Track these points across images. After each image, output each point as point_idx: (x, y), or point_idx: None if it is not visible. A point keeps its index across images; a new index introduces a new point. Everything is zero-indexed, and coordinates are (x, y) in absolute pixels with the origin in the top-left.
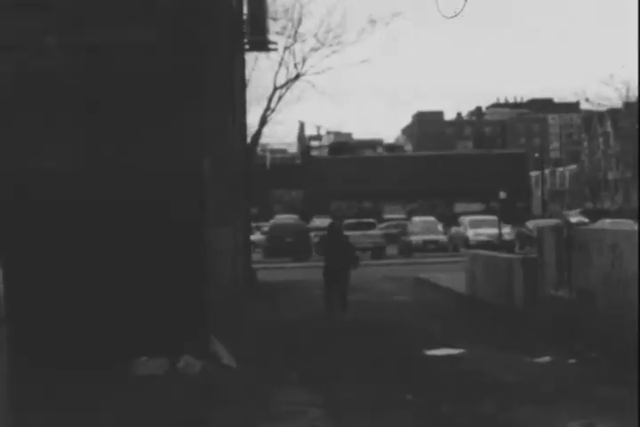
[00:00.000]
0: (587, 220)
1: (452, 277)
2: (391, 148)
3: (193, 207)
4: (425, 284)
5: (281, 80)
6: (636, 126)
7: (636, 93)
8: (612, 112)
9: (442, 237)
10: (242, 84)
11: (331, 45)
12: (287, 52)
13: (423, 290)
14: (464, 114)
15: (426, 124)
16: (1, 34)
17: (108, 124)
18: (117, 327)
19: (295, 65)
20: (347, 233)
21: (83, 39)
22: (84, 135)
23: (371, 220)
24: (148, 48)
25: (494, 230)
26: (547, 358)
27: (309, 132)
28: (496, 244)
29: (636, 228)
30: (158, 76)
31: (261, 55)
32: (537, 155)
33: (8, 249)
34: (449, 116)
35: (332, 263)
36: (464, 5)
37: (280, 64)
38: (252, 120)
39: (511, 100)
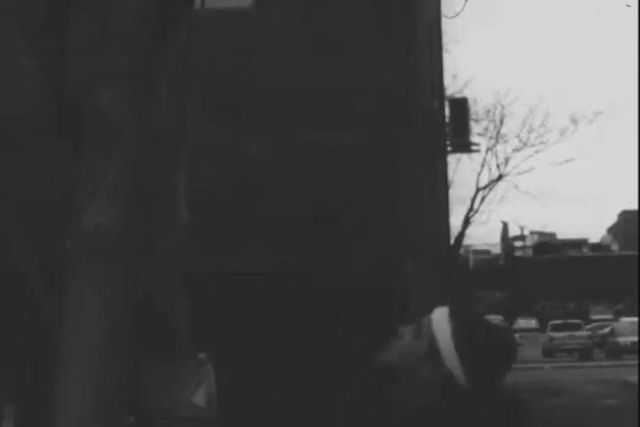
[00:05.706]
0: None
1: None
2: (596, 247)
3: (394, 310)
4: (634, 387)
5: (483, 181)
6: None
7: None
8: None
9: None
10: (445, 186)
11: (533, 145)
12: (489, 153)
13: (632, 394)
14: None
15: (632, 223)
16: (203, 139)
17: (310, 225)
18: (319, 420)
19: (498, 166)
20: (551, 334)
21: (282, 143)
22: (284, 236)
23: (577, 320)
24: (346, 149)
25: None
26: None
27: (513, 232)
28: None
29: None
30: (355, 177)
31: (463, 156)
32: None
33: (215, 348)
34: None
35: None
36: (464, 6)
37: (482, 165)
38: (456, 221)
39: None
